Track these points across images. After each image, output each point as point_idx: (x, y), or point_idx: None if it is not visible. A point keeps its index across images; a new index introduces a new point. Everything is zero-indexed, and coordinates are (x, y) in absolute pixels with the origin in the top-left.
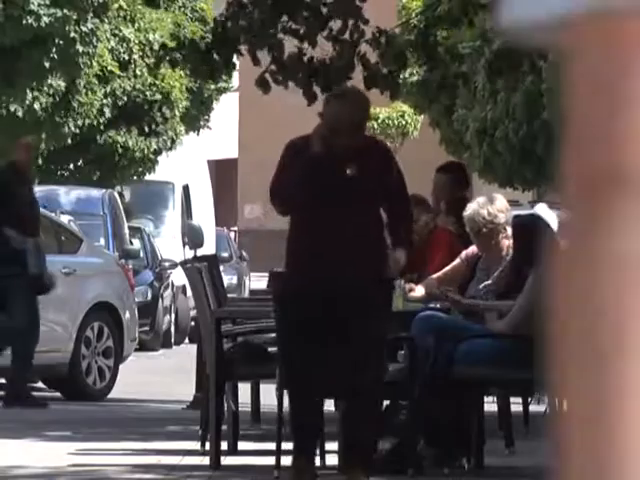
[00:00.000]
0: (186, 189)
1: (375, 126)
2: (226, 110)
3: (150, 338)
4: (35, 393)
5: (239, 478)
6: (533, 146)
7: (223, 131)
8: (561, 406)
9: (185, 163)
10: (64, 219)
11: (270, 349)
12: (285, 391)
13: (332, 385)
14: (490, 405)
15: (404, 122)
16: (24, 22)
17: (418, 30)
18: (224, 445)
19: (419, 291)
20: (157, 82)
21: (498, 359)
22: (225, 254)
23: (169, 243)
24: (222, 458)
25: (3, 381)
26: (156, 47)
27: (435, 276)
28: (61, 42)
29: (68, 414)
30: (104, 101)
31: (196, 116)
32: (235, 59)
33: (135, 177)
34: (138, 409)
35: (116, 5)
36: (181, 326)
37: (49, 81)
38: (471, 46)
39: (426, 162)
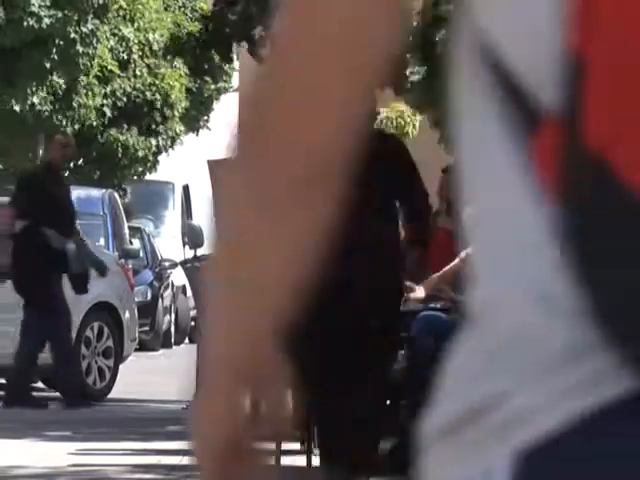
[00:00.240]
0: (186, 189)
1: (374, 126)
2: (226, 110)
3: (150, 338)
4: (35, 393)
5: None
6: None
7: (223, 131)
8: None
9: (185, 163)
10: None
11: None
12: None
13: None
14: None
15: (403, 122)
16: (25, 24)
17: (418, 30)
18: None
19: (419, 291)
20: (157, 82)
21: None
22: None
23: (169, 243)
24: None
25: (3, 381)
26: (156, 47)
27: (435, 276)
28: (61, 43)
29: (68, 414)
30: (104, 101)
31: (196, 116)
32: (236, 59)
33: (135, 177)
34: (138, 409)
35: (116, 6)
36: (181, 326)
37: (50, 79)
38: None
39: (425, 162)
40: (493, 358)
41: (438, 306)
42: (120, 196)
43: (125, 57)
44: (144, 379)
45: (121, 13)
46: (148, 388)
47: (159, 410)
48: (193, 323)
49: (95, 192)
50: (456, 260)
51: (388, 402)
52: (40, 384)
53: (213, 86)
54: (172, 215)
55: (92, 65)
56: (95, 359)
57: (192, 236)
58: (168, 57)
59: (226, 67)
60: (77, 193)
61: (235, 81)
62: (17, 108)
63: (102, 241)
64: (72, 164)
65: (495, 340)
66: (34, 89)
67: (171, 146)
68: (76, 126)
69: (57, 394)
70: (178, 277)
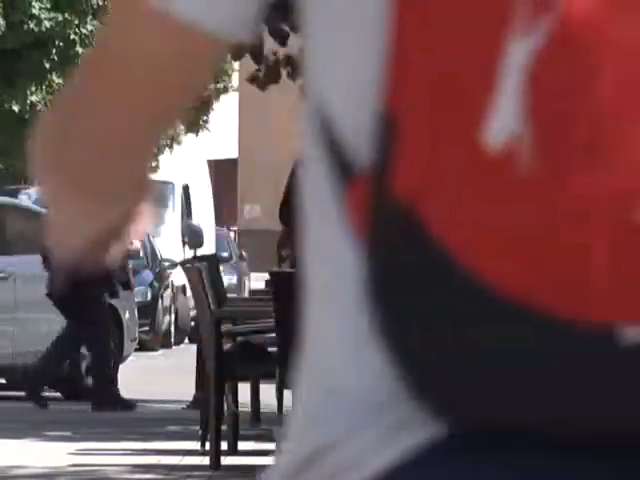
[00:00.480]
0: (186, 189)
1: None
2: (226, 110)
3: (150, 338)
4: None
5: (239, 478)
6: None
7: (223, 131)
8: None
9: (185, 163)
10: None
11: (270, 349)
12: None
13: None
14: None
15: None
16: (25, 27)
17: None
18: (224, 445)
19: None
20: None
21: None
22: (225, 254)
23: (169, 243)
24: (222, 458)
25: (3, 381)
26: None
27: None
28: (61, 44)
29: (68, 414)
30: None
31: (196, 116)
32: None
33: None
34: (138, 409)
35: None
36: (181, 326)
37: (49, 79)
38: None
39: None
40: (320, 404)
41: None
42: None
43: None
44: (144, 379)
45: None
46: (148, 388)
47: (159, 410)
48: (193, 323)
49: None
50: None
51: None
52: None
53: (213, 86)
54: (172, 215)
55: None
56: None
57: (192, 236)
58: None
59: (226, 67)
60: None
61: (235, 81)
62: (17, 108)
63: None
64: None
65: (319, 384)
66: (34, 89)
67: (171, 146)
68: None
69: (57, 394)
70: (178, 277)
